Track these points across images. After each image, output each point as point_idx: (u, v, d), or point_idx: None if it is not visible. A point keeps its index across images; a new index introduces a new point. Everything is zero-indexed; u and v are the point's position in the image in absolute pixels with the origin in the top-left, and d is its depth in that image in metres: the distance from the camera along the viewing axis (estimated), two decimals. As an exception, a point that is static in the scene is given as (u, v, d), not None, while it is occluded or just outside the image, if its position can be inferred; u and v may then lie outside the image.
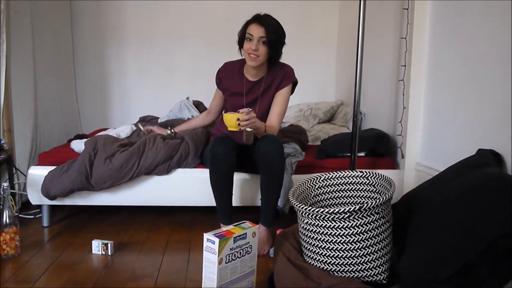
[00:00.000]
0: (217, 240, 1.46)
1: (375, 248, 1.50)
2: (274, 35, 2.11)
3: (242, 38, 2.16)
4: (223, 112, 2.08)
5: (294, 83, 2.29)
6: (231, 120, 1.93)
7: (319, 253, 1.55)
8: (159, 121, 3.30)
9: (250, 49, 2.10)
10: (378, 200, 1.46)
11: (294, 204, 1.59)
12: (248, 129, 2.01)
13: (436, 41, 2.28)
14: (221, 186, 2.10)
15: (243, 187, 2.41)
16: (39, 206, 2.48)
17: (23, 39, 2.82)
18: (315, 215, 1.50)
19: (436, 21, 2.29)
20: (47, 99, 3.20)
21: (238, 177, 2.38)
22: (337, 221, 1.48)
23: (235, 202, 2.38)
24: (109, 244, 2.08)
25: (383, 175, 1.74)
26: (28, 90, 2.89)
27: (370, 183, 1.80)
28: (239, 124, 1.92)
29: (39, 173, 2.38)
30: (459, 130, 2.06)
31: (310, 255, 1.59)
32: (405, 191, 2.24)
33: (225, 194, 2.12)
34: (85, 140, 2.55)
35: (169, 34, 4.03)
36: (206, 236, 1.50)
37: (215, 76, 2.39)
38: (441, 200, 1.60)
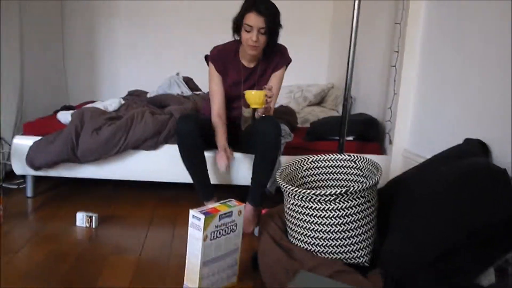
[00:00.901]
0: (202, 217, 1.46)
1: (359, 231, 1.52)
2: (274, 23, 2.04)
3: (239, 25, 2.07)
4: (245, 91, 2.02)
5: (289, 63, 2.27)
6: (259, 97, 1.95)
7: (304, 233, 1.56)
8: (148, 96, 3.26)
9: (250, 40, 2.03)
10: (364, 184, 1.47)
11: (281, 184, 1.59)
12: (247, 114, 2.00)
13: (430, 28, 2.28)
14: (190, 164, 2.10)
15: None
16: (23, 176, 2.45)
17: (10, 7, 2.74)
18: (301, 196, 1.51)
19: (431, 8, 2.27)
20: (34, 69, 3.13)
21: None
22: (323, 203, 1.49)
23: (218, 180, 2.39)
24: (93, 217, 2.08)
25: (371, 160, 1.74)
26: (14, 59, 2.82)
27: (357, 167, 1.81)
28: (266, 101, 1.96)
29: (24, 143, 2.34)
30: (448, 119, 2.07)
31: (294, 236, 1.60)
32: (391, 176, 2.26)
33: (197, 171, 2.12)
34: (72, 111, 2.51)
35: (161, 8, 3.95)
36: (192, 212, 1.49)
37: (207, 60, 2.23)
38: (426, 187, 1.61)
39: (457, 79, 2.00)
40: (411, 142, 2.44)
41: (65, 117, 2.51)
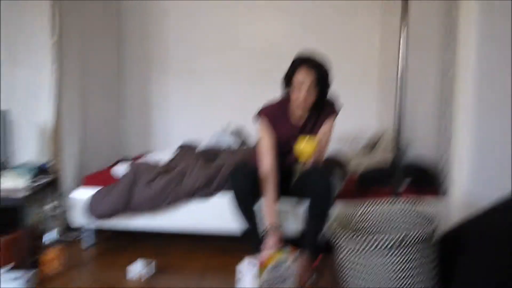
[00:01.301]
0: (256, 265, 1.43)
1: (418, 279, 1.43)
2: (324, 79, 2.07)
3: (289, 82, 2.11)
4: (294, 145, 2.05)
5: (338, 112, 2.27)
6: (311, 147, 1.96)
7: (359, 284, 1.49)
8: (199, 148, 3.34)
9: (301, 97, 2.06)
10: (421, 231, 1.40)
11: (335, 232, 1.54)
12: (301, 167, 2.02)
13: (483, 71, 2.21)
14: (242, 212, 2.09)
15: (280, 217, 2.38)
16: (82, 228, 2.53)
17: (72, 67, 2.95)
18: (356, 243, 1.46)
19: (483, 48, 2.22)
20: (94, 125, 3.31)
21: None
22: (379, 249, 1.42)
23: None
24: (148, 267, 2.09)
25: (427, 207, 1.67)
26: (76, 116, 3.00)
27: (413, 214, 1.74)
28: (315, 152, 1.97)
29: (82, 196, 2.44)
30: (509, 160, 1.97)
31: (350, 285, 1.53)
32: (452, 222, 2.14)
33: (249, 220, 2.10)
34: (127, 164, 2.61)
35: (211, 64, 4.11)
36: (246, 260, 1.47)
37: (258, 119, 2.24)
38: (489, 237, 1.52)
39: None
40: (472, 185, 2.31)
41: (121, 169, 2.60)
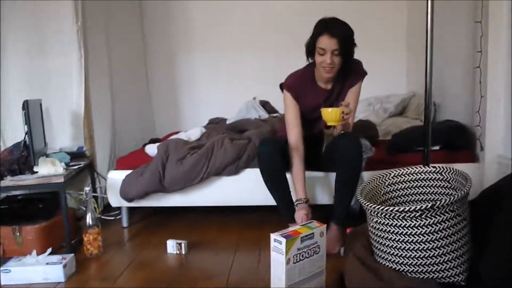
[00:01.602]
0: (284, 240, 1.45)
1: (451, 248, 1.42)
2: (347, 44, 2.01)
3: (312, 50, 2.06)
4: (321, 108, 1.99)
5: (364, 76, 2.22)
6: (335, 114, 1.92)
7: (391, 253, 1.49)
8: (227, 122, 3.36)
9: (325, 63, 2.01)
10: (452, 197, 1.38)
11: (363, 202, 1.54)
12: (328, 132, 2.01)
13: (515, 23, 2.11)
14: (272, 186, 2.11)
15: (309, 186, 2.38)
16: (118, 208, 2.64)
17: (99, 52, 3.00)
18: (384, 213, 1.45)
19: (514, 1, 2.11)
20: (124, 107, 3.39)
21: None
22: (408, 220, 1.42)
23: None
24: (182, 244, 2.16)
25: (458, 170, 1.64)
26: (105, 100, 3.08)
27: (444, 179, 1.71)
28: (343, 118, 1.92)
29: (117, 177, 2.52)
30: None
31: (381, 255, 1.54)
32: (485, 185, 2.09)
33: (279, 193, 2.12)
34: (158, 144, 2.66)
35: (236, 37, 4.08)
36: (273, 236, 1.50)
37: (282, 87, 2.22)
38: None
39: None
40: (505, 147, 2.24)
41: (152, 150, 2.66)
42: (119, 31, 3.43)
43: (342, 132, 2.05)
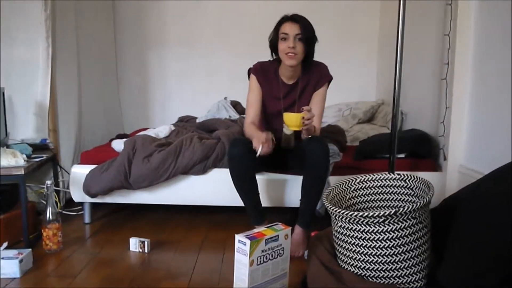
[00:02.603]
0: (248, 242, 1.45)
1: (412, 254, 1.45)
2: (309, 31, 2.07)
3: (275, 40, 2.12)
4: (283, 112, 2.03)
5: (330, 80, 2.25)
6: (296, 119, 1.92)
7: (353, 257, 1.51)
8: (197, 121, 3.34)
9: (287, 48, 2.05)
10: (415, 204, 1.40)
11: (328, 206, 1.55)
12: (288, 132, 1.99)
13: (481, 38, 2.18)
14: (242, 188, 2.10)
15: (275, 188, 2.40)
16: (81, 204, 2.57)
17: (67, 42, 2.93)
18: (348, 218, 1.47)
19: (481, 17, 2.18)
20: (91, 101, 3.31)
21: (269, 178, 2.38)
22: (372, 225, 1.44)
23: (267, 202, 2.37)
24: (145, 242, 2.13)
25: (422, 178, 1.67)
26: (72, 92, 3.00)
27: (407, 186, 1.74)
28: (304, 123, 1.92)
29: (81, 171, 2.46)
30: (506, 131, 1.95)
31: (343, 259, 1.55)
32: (447, 194, 2.15)
33: (248, 195, 2.12)
34: (125, 139, 2.61)
35: (209, 36, 4.07)
36: (237, 237, 1.49)
37: (249, 74, 2.28)
38: (485, 205, 1.52)
39: (514, 89, 1.89)
40: (467, 157, 2.32)
41: (118, 145, 2.61)
42: (90, 23, 3.36)
43: (310, 136, 2.07)
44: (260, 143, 1.92)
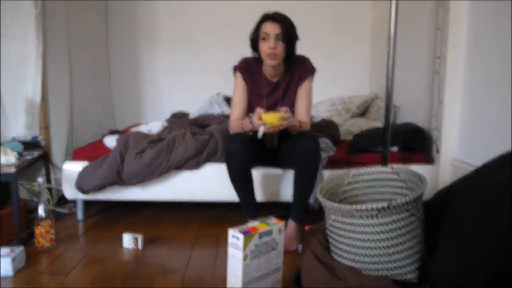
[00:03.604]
0: (241, 236, 1.45)
1: (405, 247, 1.45)
2: (290, 30, 2.06)
3: (256, 38, 2.11)
4: (261, 112, 1.98)
5: (313, 72, 2.24)
6: (272, 119, 1.91)
7: (347, 250, 1.51)
8: (190, 117, 3.33)
9: (268, 49, 2.04)
10: (408, 197, 1.40)
11: (322, 200, 1.55)
12: (271, 131, 1.99)
13: (473, 32, 2.18)
14: (239, 182, 2.09)
15: (270, 183, 2.40)
16: (74, 201, 2.55)
17: (59, 40, 2.90)
18: (343, 211, 1.47)
19: (473, 11, 2.18)
20: (83, 97, 3.28)
21: (264, 173, 2.38)
22: (365, 218, 1.44)
23: (262, 197, 2.37)
24: (139, 238, 2.12)
25: (414, 171, 1.67)
26: (64, 89, 2.97)
27: (401, 179, 1.74)
28: (280, 124, 1.91)
29: (73, 168, 2.44)
30: (498, 124, 1.96)
31: (337, 253, 1.55)
32: (440, 187, 2.16)
33: (244, 189, 2.11)
34: (117, 136, 2.60)
35: (200, 33, 4.04)
36: (230, 232, 1.49)
37: (234, 70, 2.27)
38: (476, 198, 1.52)
39: (506, 82, 1.90)
40: (459, 150, 2.33)
41: (111, 141, 2.59)
42: (81, 20, 3.33)
43: (301, 131, 2.06)
44: (257, 123, 1.93)
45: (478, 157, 2.06)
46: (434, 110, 2.48)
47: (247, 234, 1.46)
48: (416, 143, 2.57)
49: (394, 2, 2.23)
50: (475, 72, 2.17)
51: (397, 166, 1.75)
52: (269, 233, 1.53)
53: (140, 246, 2.12)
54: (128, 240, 2.14)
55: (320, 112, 3.53)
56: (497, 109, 1.97)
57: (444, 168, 2.38)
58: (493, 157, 1.73)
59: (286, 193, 2.39)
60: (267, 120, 1.92)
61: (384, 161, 2.36)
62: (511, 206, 1.33)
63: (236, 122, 2.16)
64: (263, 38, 2.06)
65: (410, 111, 2.99)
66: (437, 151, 2.43)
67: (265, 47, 2.05)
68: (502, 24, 1.92)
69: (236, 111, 2.23)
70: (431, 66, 2.57)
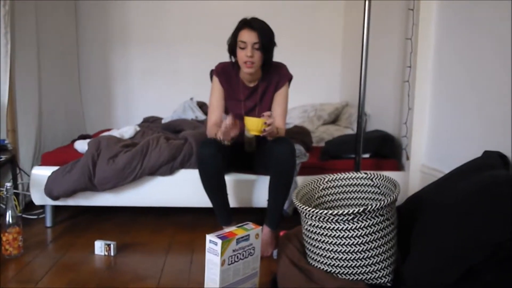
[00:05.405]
0: (219, 242, 1.45)
1: (380, 251, 1.49)
2: (267, 38, 2.06)
3: (234, 45, 2.10)
4: (244, 116, 2.00)
5: (290, 79, 2.27)
6: (257, 124, 1.91)
7: (323, 255, 1.53)
8: (163, 121, 3.30)
9: (245, 57, 2.05)
10: (382, 202, 1.44)
11: (298, 205, 1.57)
12: (249, 135, 1.99)
13: (441, 42, 2.27)
14: (211, 188, 2.09)
15: (243, 189, 2.40)
16: (42, 206, 2.48)
17: (27, 40, 2.83)
18: (318, 216, 1.49)
19: (441, 22, 2.27)
20: (52, 100, 3.20)
21: (237, 178, 2.38)
22: (340, 223, 1.47)
23: (235, 203, 2.37)
24: (111, 245, 2.08)
25: (388, 177, 1.72)
26: (32, 91, 2.90)
27: (374, 185, 1.79)
28: (264, 130, 1.91)
29: (42, 173, 2.38)
30: (465, 132, 2.04)
31: (313, 257, 1.58)
32: (410, 193, 2.22)
33: (217, 195, 2.11)
34: (88, 140, 2.55)
35: (173, 35, 4.02)
36: (208, 237, 1.49)
37: (211, 75, 2.27)
38: (446, 202, 1.58)
39: (473, 91, 1.98)
40: (429, 157, 2.40)
41: (82, 146, 2.54)
42: (51, 20, 3.26)
43: (277, 136, 2.08)
44: (223, 132, 1.93)
45: (446, 164, 2.14)
46: (403, 118, 2.55)
47: (225, 239, 1.46)
48: (386, 150, 2.63)
49: (366, 11, 2.30)
50: (443, 80, 2.25)
51: (371, 172, 1.79)
52: (246, 238, 1.53)
53: (112, 253, 2.08)
54: (100, 247, 2.09)
55: (292, 119, 3.57)
56: (464, 117, 2.05)
57: (414, 174, 2.45)
58: (461, 164, 1.80)
59: (259, 199, 2.40)
60: (252, 125, 1.93)
61: (356, 167, 2.41)
62: (481, 208, 1.39)
63: (214, 128, 2.15)
64: (240, 47, 2.06)
65: (380, 119, 3.07)
66: (407, 158, 2.50)
67: (242, 55, 2.06)
68: (469, 34, 2.01)
69: (213, 116, 2.23)
70: (401, 74, 2.64)
